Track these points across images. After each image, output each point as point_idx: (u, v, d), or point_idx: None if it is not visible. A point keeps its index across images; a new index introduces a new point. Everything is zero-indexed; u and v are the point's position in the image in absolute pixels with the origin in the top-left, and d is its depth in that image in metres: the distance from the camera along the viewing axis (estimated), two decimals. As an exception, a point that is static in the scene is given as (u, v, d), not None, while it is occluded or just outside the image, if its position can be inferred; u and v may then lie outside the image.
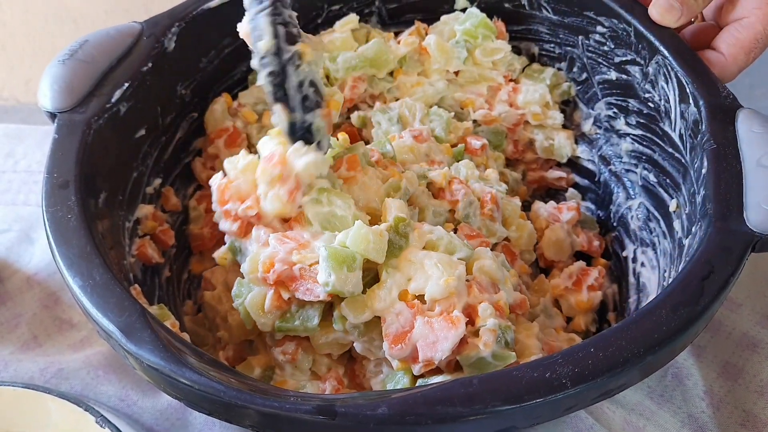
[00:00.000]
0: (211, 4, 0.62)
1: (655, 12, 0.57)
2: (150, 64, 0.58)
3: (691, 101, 0.53)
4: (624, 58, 0.60)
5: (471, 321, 0.44)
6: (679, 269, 0.45)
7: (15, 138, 0.80)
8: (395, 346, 0.43)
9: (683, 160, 0.54)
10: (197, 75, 0.64)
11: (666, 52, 0.56)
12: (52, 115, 0.53)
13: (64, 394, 0.48)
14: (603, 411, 0.53)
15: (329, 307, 0.47)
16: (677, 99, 0.55)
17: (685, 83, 0.54)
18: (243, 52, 0.66)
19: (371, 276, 0.46)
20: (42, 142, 0.80)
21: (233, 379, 0.36)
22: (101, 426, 0.45)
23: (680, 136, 0.55)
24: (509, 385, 0.35)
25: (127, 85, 0.56)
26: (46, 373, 0.57)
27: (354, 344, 0.47)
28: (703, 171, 0.49)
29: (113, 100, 0.55)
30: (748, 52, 0.56)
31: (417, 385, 0.42)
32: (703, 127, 0.51)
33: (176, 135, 0.63)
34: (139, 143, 0.59)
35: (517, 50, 0.69)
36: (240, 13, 0.64)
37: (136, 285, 0.50)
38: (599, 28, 0.62)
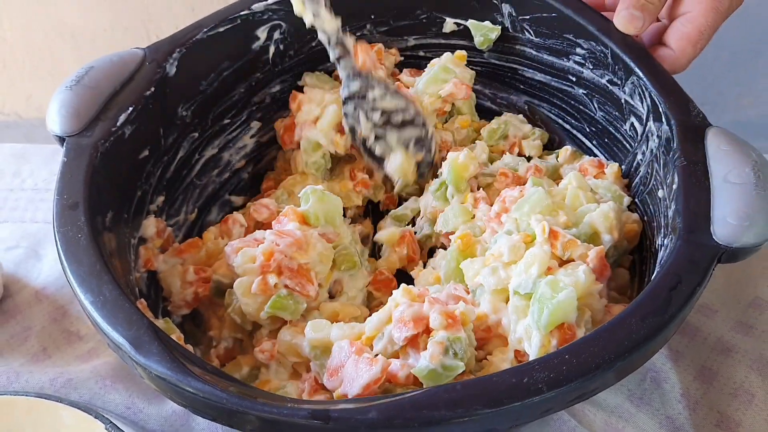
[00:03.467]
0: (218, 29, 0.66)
1: (619, 24, 0.61)
2: (152, 89, 0.61)
3: (663, 120, 0.56)
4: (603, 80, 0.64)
5: (427, 330, 0.47)
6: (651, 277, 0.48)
7: (21, 157, 0.83)
8: (330, 378, 0.48)
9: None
10: (197, 97, 0.67)
11: (640, 73, 0.59)
12: (61, 139, 0.56)
13: (75, 402, 0.51)
14: (585, 413, 0.56)
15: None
16: (652, 117, 0.58)
17: (658, 102, 0.57)
18: (240, 74, 0.70)
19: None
20: (48, 160, 0.83)
21: (235, 387, 0.39)
22: (111, 432, 0.48)
23: (651, 151, 0.58)
24: (490, 390, 0.38)
25: (131, 109, 0.59)
26: (56, 383, 0.60)
27: (311, 363, 0.51)
28: (674, 186, 0.52)
29: (118, 123, 0.58)
30: (695, 44, 0.60)
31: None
32: (674, 144, 0.54)
33: (178, 154, 0.66)
34: (143, 163, 0.62)
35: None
36: (237, 36, 0.68)
37: (142, 299, 0.53)
38: (578, 50, 0.65)
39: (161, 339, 0.41)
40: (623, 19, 0.60)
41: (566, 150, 0.68)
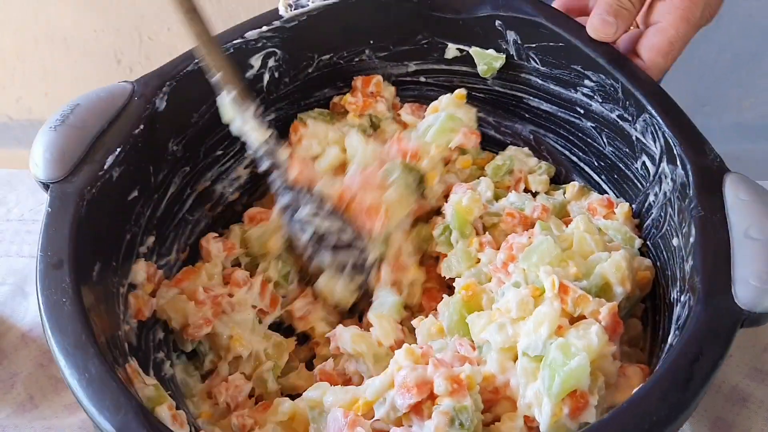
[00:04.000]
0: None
1: (591, 30, 0.59)
2: (142, 126, 0.59)
3: (678, 163, 0.53)
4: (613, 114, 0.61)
5: (431, 396, 0.45)
6: (667, 347, 0.46)
7: (6, 184, 0.80)
8: None
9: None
10: (188, 130, 0.64)
11: (653, 111, 0.56)
12: (45, 185, 0.53)
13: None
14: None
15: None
16: (666, 159, 0.55)
17: (672, 144, 0.54)
18: (234, 105, 0.67)
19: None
20: (34, 189, 0.78)
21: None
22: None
23: (664, 194, 0.56)
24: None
25: (119, 150, 0.56)
26: (44, 439, 0.58)
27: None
28: (691, 239, 0.49)
29: (106, 166, 0.55)
30: (666, 55, 0.58)
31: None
32: (691, 192, 0.51)
33: (169, 191, 0.63)
34: (132, 204, 0.59)
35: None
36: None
37: (131, 359, 0.51)
38: (587, 82, 0.62)
39: (150, 427, 0.38)
40: (596, 25, 0.58)
41: (574, 186, 0.65)
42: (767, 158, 1.75)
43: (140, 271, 0.58)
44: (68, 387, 0.42)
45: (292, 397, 0.57)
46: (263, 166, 0.60)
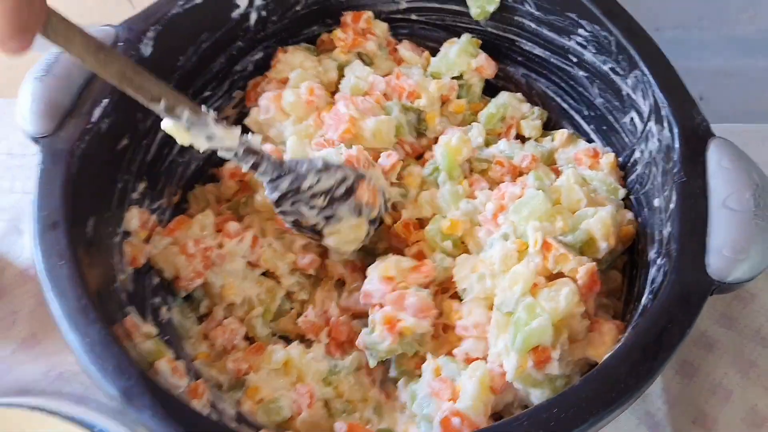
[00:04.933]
0: None
1: None
2: (128, 74, 0.58)
3: (665, 124, 0.54)
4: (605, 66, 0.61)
5: None
6: (640, 309, 0.49)
7: (-7, 116, 0.79)
8: None
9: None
10: (176, 73, 0.63)
11: (645, 69, 0.56)
12: (35, 140, 0.54)
13: (74, 418, 0.52)
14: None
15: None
16: (654, 118, 0.56)
17: (661, 104, 0.55)
18: (221, 44, 0.66)
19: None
20: (21, 120, 0.79)
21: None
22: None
23: (650, 152, 0.57)
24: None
25: (106, 101, 0.56)
26: (49, 376, 0.61)
27: None
28: (671, 206, 0.51)
29: (93, 119, 0.55)
30: None
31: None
32: (675, 156, 0.52)
33: (158, 135, 0.63)
34: (122, 153, 0.59)
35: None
36: (216, 5, 0.63)
37: (131, 312, 0.53)
38: (581, 31, 0.61)
39: (153, 391, 0.41)
40: None
41: (563, 133, 0.66)
42: (762, 76, 1.74)
43: (133, 218, 0.59)
44: (71, 350, 0.44)
45: (288, 340, 0.60)
46: (247, 165, 0.55)
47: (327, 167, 0.58)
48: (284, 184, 0.57)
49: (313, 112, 0.65)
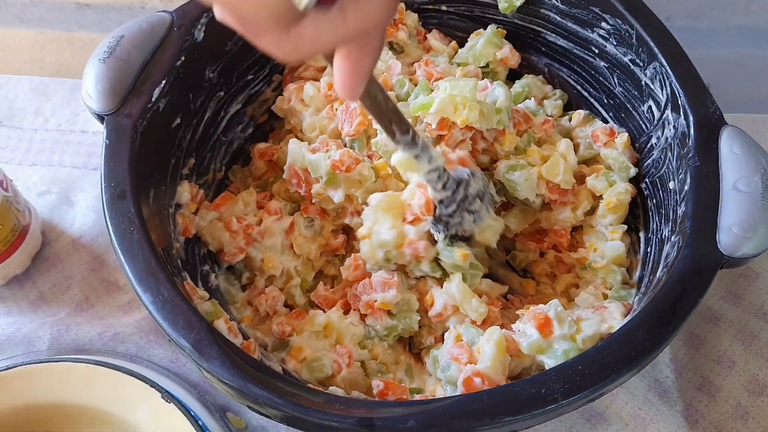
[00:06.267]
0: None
1: None
2: (183, 58, 0.62)
3: (681, 113, 0.58)
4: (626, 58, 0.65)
5: None
6: (655, 282, 0.53)
7: (41, 94, 0.84)
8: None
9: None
10: (223, 58, 0.68)
11: (663, 60, 0.60)
12: (100, 117, 0.58)
13: (134, 372, 0.57)
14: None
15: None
16: (671, 107, 0.60)
17: (677, 93, 0.59)
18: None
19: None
20: (69, 98, 0.83)
21: (290, 390, 0.44)
22: (167, 401, 0.54)
23: (666, 139, 0.61)
24: (512, 400, 0.44)
25: (164, 82, 0.60)
26: (104, 336, 0.65)
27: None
28: (686, 187, 0.55)
29: (153, 98, 0.60)
30: None
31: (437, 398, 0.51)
32: (690, 142, 0.57)
33: (205, 115, 0.68)
34: (175, 131, 0.64)
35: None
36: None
37: (187, 277, 0.58)
38: (603, 24, 0.66)
39: (220, 343, 0.46)
40: None
41: (579, 114, 0.70)
42: (769, 65, 1.77)
43: (185, 192, 0.64)
44: (144, 306, 0.49)
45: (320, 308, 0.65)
46: (441, 182, 0.56)
47: (473, 172, 0.60)
48: (459, 194, 0.58)
49: (329, 105, 0.70)
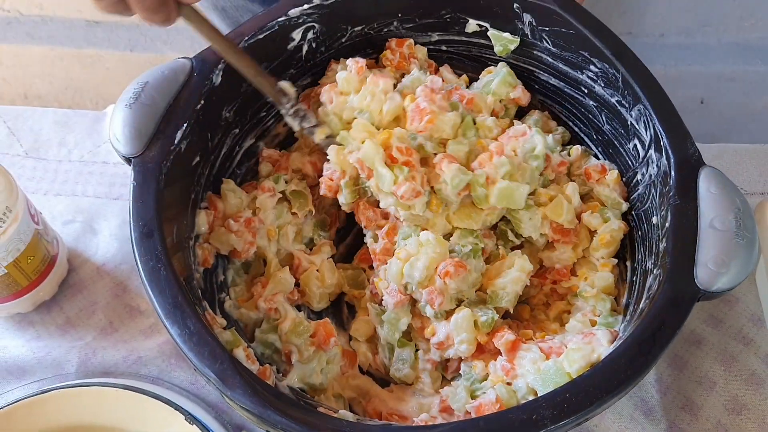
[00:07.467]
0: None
1: None
2: (202, 101, 0.67)
3: (663, 153, 0.63)
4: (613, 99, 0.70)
5: None
6: (639, 311, 0.58)
7: (64, 126, 0.88)
8: None
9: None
10: (239, 98, 0.73)
11: (648, 103, 0.65)
12: (127, 159, 0.63)
13: (158, 395, 0.62)
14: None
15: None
16: (654, 147, 0.65)
17: (660, 135, 0.64)
18: (276, 72, 0.75)
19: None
20: (90, 129, 0.88)
21: (305, 416, 0.49)
22: (189, 423, 0.59)
23: (650, 176, 0.66)
24: (506, 426, 0.49)
25: (186, 125, 0.65)
26: (128, 360, 0.70)
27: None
28: (667, 224, 0.60)
29: (176, 141, 0.65)
30: None
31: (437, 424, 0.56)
32: (671, 181, 0.61)
33: (222, 151, 0.73)
34: (195, 168, 0.69)
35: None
36: (274, 40, 0.73)
37: (207, 306, 0.63)
38: (592, 67, 0.70)
39: (241, 373, 0.51)
40: None
41: (577, 149, 0.75)
42: (761, 79, 1.82)
43: (203, 223, 0.69)
44: (173, 341, 0.53)
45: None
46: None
47: None
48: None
49: (364, 82, 0.73)
